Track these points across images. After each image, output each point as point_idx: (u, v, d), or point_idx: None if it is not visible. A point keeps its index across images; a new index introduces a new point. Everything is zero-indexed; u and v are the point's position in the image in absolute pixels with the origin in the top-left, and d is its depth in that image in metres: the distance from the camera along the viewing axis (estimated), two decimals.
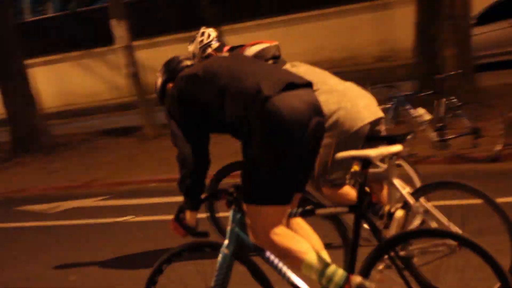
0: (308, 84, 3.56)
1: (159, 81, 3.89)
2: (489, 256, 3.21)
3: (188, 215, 3.67)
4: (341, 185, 4.98)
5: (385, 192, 5.16)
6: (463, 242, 3.32)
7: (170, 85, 3.78)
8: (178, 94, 3.62)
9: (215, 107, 3.50)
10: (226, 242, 3.60)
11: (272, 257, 3.52)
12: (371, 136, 4.87)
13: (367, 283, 3.36)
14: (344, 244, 4.30)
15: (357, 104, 4.79)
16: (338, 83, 4.94)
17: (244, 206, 3.51)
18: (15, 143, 15.37)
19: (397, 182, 4.72)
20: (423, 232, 3.57)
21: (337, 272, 3.38)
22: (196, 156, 3.56)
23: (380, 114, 4.90)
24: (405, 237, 3.58)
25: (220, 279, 3.59)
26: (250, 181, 3.45)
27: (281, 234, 3.45)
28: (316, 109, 3.46)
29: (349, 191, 4.99)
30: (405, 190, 4.63)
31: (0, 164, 14.85)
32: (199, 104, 3.56)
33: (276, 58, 5.23)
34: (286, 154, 3.36)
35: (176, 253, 3.69)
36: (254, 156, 3.40)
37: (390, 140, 4.75)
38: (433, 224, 4.57)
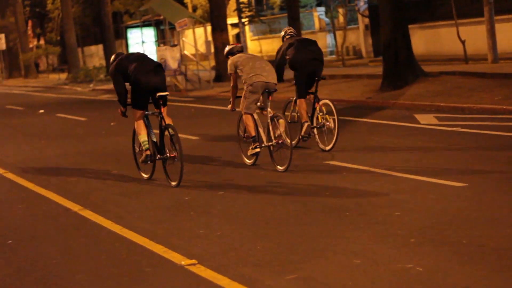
0: (159, 65, 10.11)
1: None
2: None
3: (122, 108, 10.39)
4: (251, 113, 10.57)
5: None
6: None
7: None
8: None
9: None
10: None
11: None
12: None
13: (146, 153, 9.96)
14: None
15: (261, 74, 10.43)
16: (260, 64, 10.58)
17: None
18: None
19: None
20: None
21: (146, 146, 10.00)
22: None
23: (272, 80, 10.51)
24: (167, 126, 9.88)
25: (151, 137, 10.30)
26: (131, 99, 10.20)
27: (138, 124, 10.19)
28: (158, 80, 9.96)
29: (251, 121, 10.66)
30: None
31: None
32: None
33: (240, 51, 10.80)
34: (139, 93, 10.09)
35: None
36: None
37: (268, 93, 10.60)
38: None
